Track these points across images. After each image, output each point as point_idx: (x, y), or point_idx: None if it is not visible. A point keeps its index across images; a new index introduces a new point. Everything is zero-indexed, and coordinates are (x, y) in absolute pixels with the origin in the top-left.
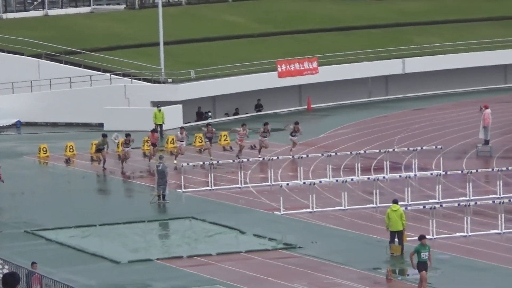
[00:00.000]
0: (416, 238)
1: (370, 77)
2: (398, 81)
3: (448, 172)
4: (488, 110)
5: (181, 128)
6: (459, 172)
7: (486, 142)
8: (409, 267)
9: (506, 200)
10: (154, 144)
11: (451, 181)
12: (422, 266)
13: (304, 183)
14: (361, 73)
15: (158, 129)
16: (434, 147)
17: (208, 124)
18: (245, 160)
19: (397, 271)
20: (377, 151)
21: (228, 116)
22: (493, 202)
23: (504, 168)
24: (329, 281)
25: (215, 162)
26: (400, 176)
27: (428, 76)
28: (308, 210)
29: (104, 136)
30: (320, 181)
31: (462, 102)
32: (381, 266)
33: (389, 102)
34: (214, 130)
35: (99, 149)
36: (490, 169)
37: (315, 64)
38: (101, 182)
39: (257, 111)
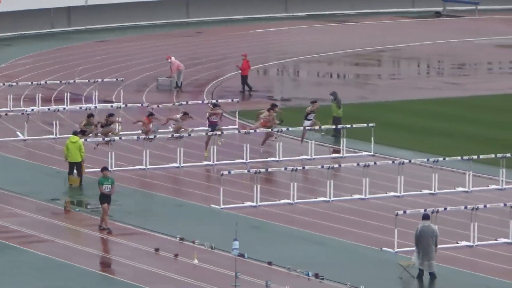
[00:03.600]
0: (98, 170)
1: (52, 8)
2: (80, 12)
3: (128, 105)
4: (173, 59)
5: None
6: (139, 104)
7: (179, 84)
8: (88, 198)
9: (184, 135)
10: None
11: (130, 114)
12: (104, 198)
13: None
14: (43, 3)
15: None
16: (115, 79)
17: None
18: None
19: (75, 202)
20: (58, 82)
21: None
22: (172, 135)
23: (183, 102)
24: (8, 211)
25: None
26: (80, 107)
27: (111, 8)
28: None
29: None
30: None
31: (145, 35)
32: (59, 197)
33: (71, 33)
34: (221, 112)
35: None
36: (171, 104)
37: None
38: None
39: None
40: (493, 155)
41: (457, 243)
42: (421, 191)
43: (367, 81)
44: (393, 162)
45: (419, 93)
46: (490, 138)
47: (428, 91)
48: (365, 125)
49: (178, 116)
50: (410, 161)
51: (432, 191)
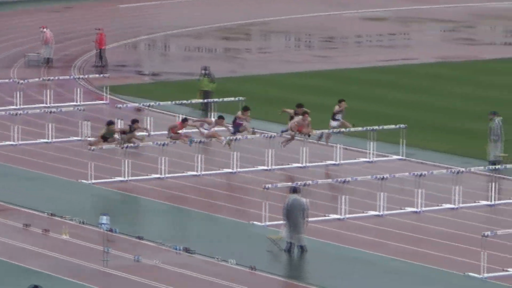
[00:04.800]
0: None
1: None
2: None
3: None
4: (47, 30)
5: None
6: (8, 80)
7: (49, 60)
8: None
9: (54, 110)
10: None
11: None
12: None
13: None
14: None
15: None
16: None
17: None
18: None
19: None
20: None
21: None
22: (41, 111)
23: (52, 78)
24: None
25: None
26: None
27: None
28: None
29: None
30: None
31: (13, 11)
32: None
33: None
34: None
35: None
36: (37, 79)
37: None
38: None
39: None
40: (361, 128)
41: (326, 216)
42: (289, 164)
43: (237, 55)
44: (264, 136)
45: (288, 67)
46: (358, 111)
47: (297, 65)
48: (234, 98)
49: (212, 119)
50: (277, 134)
51: (301, 164)
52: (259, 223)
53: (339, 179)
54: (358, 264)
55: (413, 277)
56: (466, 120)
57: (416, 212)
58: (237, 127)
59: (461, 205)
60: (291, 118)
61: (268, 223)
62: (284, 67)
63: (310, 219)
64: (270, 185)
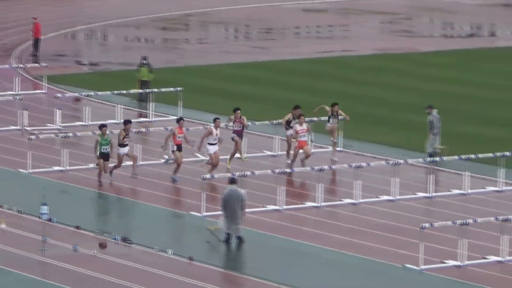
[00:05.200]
0: None
1: None
2: None
3: None
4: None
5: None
6: None
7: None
8: None
9: None
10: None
11: None
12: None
13: None
14: None
15: None
16: None
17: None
18: None
19: None
20: None
21: None
22: None
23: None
24: None
25: None
26: None
27: None
28: None
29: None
30: None
31: None
32: None
33: None
34: (245, 122)
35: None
36: None
37: None
38: None
39: None
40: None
41: (264, 207)
42: (242, 156)
43: (175, 45)
44: (204, 127)
45: (227, 57)
46: (296, 102)
47: (236, 55)
48: (173, 89)
49: (212, 128)
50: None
51: (240, 156)
52: (197, 214)
53: (277, 170)
54: (296, 255)
55: (351, 269)
56: (404, 112)
57: (353, 204)
58: (238, 134)
59: (398, 197)
60: (299, 116)
61: (206, 213)
62: (222, 58)
63: (248, 210)
64: (208, 176)
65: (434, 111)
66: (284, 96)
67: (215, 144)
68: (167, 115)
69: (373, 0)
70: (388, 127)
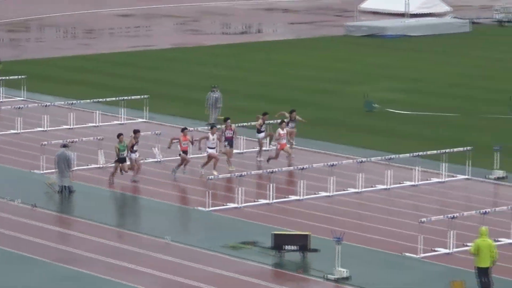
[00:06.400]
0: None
1: None
2: None
3: None
4: None
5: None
6: None
7: None
8: None
9: None
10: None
11: None
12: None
13: None
14: None
15: None
16: None
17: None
18: None
19: None
20: None
21: None
22: None
23: None
24: None
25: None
26: None
27: None
28: None
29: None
30: None
31: None
32: None
33: None
34: (235, 128)
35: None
36: None
37: None
38: None
39: None
40: (114, 97)
41: (88, 165)
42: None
43: (19, 43)
44: (96, 114)
45: (59, 52)
46: (110, 85)
47: (66, 50)
48: (18, 77)
49: (209, 135)
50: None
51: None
52: (38, 171)
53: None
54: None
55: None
56: (195, 92)
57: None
58: (229, 140)
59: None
60: (281, 122)
61: (44, 171)
62: (56, 52)
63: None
64: (45, 143)
65: (218, 90)
66: (103, 81)
67: (213, 148)
68: (13, 96)
69: (169, 7)
70: (183, 102)
